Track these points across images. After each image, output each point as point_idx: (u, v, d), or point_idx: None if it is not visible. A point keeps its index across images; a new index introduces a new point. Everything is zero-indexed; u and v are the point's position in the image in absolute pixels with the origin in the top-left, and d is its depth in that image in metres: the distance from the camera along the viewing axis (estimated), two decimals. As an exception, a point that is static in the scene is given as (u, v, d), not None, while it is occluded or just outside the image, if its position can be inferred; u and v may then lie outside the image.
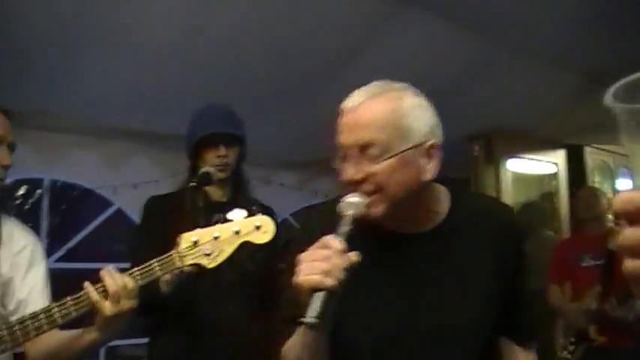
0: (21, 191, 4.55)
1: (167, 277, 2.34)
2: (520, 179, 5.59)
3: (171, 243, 2.36)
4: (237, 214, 2.01)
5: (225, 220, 2.03)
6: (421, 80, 3.87)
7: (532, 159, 5.62)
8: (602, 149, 6.29)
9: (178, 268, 1.98)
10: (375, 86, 1.59)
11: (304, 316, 1.27)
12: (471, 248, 1.62)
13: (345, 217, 1.43)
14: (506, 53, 4.10)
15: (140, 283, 1.90)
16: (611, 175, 6.67)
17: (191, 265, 1.98)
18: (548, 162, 5.80)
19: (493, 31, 3.79)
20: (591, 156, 6.21)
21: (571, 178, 5.93)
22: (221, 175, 2.69)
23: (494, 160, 5.27)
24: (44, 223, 4.29)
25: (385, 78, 3.82)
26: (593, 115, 4.94)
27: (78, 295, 1.85)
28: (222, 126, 2.70)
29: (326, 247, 1.35)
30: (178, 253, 1.97)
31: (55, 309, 1.82)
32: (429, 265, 1.59)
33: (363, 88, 1.58)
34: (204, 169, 2.64)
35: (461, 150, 5.28)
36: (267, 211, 2.46)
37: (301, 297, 1.32)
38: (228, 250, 2.03)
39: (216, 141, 2.68)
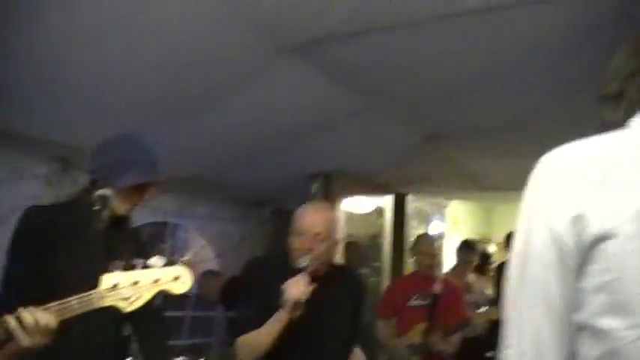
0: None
1: None
2: (351, 218, 6.00)
3: (66, 266, 2.41)
4: (157, 262, 2.09)
5: (145, 266, 2.08)
6: (280, 120, 4.18)
7: (363, 203, 6.08)
8: (421, 198, 6.92)
9: (95, 308, 1.99)
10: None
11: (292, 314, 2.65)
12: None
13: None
14: (360, 105, 4.42)
15: (57, 319, 1.92)
16: (426, 220, 7.33)
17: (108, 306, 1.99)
18: (378, 205, 6.29)
19: (355, 84, 4.09)
20: (412, 203, 6.80)
21: (395, 220, 6.46)
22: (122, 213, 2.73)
23: (330, 198, 5.63)
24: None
25: (254, 115, 4.07)
26: (421, 169, 5.52)
27: None
28: (155, 174, 2.75)
29: (300, 281, 2.65)
30: (98, 293, 1.99)
31: None
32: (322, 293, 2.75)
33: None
34: (103, 193, 2.60)
35: (304, 186, 5.65)
36: None
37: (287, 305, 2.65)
38: (146, 296, 2.07)
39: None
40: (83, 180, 4.42)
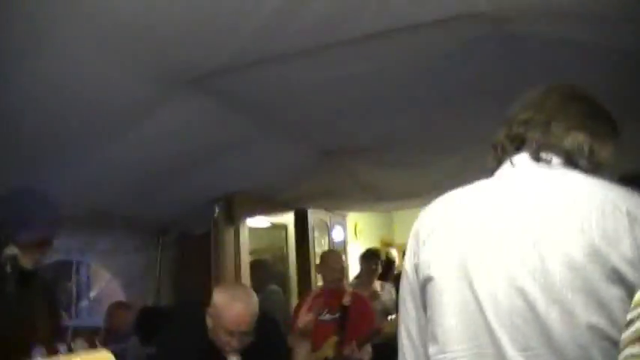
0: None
1: None
2: (255, 236, 6.08)
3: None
4: (80, 345, 2.12)
5: (70, 349, 2.11)
6: (179, 149, 4.21)
7: (267, 220, 6.18)
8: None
9: None
10: None
11: None
12: None
13: None
14: (257, 129, 4.52)
15: None
16: (327, 229, 7.50)
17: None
18: (280, 222, 6.41)
19: (251, 110, 4.18)
20: (312, 215, 6.94)
21: (297, 235, 6.59)
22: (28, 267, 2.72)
23: (233, 219, 5.71)
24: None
25: (152, 146, 4.08)
26: (321, 184, 5.67)
27: None
28: (49, 234, 2.79)
29: None
30: None
31: None
32: None
33: None
34: (11, 253, 2.61)
35: (206, 211, 5.69)
36: None
37: None
38: None
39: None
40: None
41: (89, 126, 3.77)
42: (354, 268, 8.62)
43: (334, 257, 4.98)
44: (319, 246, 7.23)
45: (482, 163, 4.98)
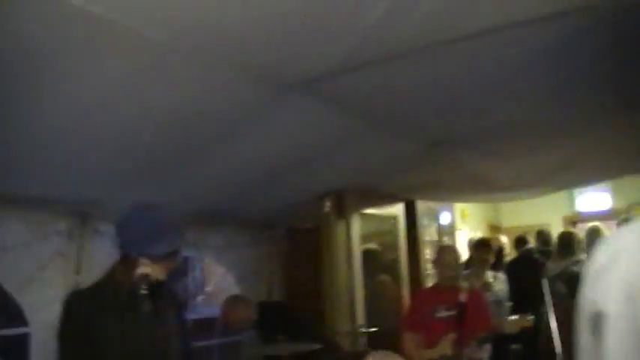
0: None
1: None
2: (366, 228, 6.09)
3: (117, 347, 2.48)
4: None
5: None
6: (289, 150, 4.27)
7: (377, 211, 6.18)
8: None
9: None
10: None
11: None
12: None
13: None
14: (365, 126, 4.51)
15: None
16: (435, 215, 7.44)
17: None
18: (390, 213, 6.39)
19: (359, 109, 4.19)
20: (420, 204, 6.89)
21: (407, 224, 6.57)
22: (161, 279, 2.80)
23: (343, 212, 5.74)
24: None
25: (266, 149, 4.16)
26: (429, 175, 5.63)
27: None
28: (179, 243, 2.85)
29: None
30: None
31: None
32: None
33: None
34: (143, 272, 2.69)
35: (314, 205, 5.74)
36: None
37: None
38: None
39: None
40: (103, 228, 4.60)
41: (201, 133, 3.88)
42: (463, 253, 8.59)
43: (450, 254, 4.87)
44: (428, 234, 7.19)
45: (596, 153, 4.86)
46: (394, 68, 3.44)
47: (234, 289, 5.93)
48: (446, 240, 7.74)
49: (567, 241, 6.31)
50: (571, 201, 11.14)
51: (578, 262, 5.94)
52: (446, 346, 4.44)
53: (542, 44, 3.37)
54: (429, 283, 7.03)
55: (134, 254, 2.74)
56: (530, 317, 4.34)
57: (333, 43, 3.07)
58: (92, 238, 4.62)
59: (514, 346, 6.49)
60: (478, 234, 9.56)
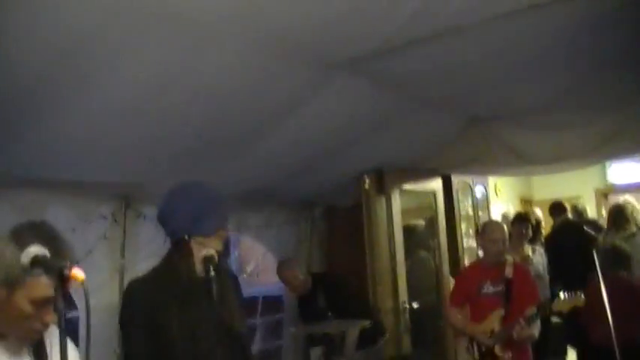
0: None
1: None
2: (405, 204, 6.08)
3: (181, 332, 2.48)
4: None
5: None
6: (335, 133, 4.27)
7: (416, 187, 6.16)
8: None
9: None
10: None
11: None
12: None
13: None
14: (403, 102, 4.50)
15: None
16: (470, 190, 7.40)
17: None
18: (429, 188, 6.37)
19: (402, 87, 4.17)
20: (455, 179, 6.86)
21: (445, 201, 6.55)
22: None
23: (384, 189, 5.75)
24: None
25: (311, 130, 4.16)
26: (467, 151, 5.62)
27: None
28: (226, 218, 2.82)
29: None
30: None
31: None
32: None
33: None
34: (208, 253, 2.65)
35: (353, 184, 5.74)
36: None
37: None
38: None
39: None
40: (147, 211, 4.61)
41: (250, 115, 3.89)
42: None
43: (497, 229, 4.74)
44: (463, 209, 7.17)
45: (637, 125, 4.82)
46: (437, 46, 3.46)
47: (273, 269, 5.94)
48: (481, 215, 7.68)
49: (619, 214, 6.18)
50: (603, 173, 11.03)
51: (631, 236, 5.91)
52: (493, 322, 4.43)
53: (582, 20, 3.39)
54: (467, 258, 7.03)
55: (185, 237, 2.71)
56: (581, 296, 4.26)
57: (379, 23, 3.08)
58: (136, 222, 4.62)
59: (555, 320, 6.47)
60: (511, 208, 9.52)
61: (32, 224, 2.02)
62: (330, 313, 5.05)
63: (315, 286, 5.36)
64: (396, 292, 5.64)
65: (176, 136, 3.82)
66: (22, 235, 1.85)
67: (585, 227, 7.13)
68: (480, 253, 7.31)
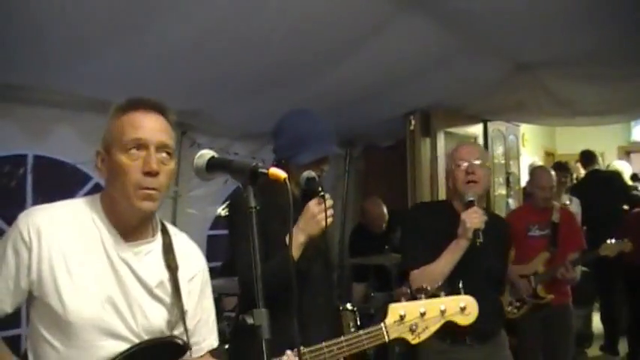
0: (6, 168, 4.37)
1: None
2: (449, 149, 6.13)
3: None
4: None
5: (432, 295, 2.13)
6: (393, 69, 4.27)
7: (459, 132, 6.22)
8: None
9: (384, 342, 2.05)
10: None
11: (478, 239, 2.95)
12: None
13: (472, 200, 3.07)
14: (457, 44, 4.52)
15: (346, 354, 2.00)
16: (503, 139, 7.45)
17: (395, 339, 2.04)
18: (471, 132, 6.44)
19: (456, 25, 4.18)
20: (491, 126, 6.91)
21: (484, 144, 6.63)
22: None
23: (429, 131, 5.85)
24: (29, 200, 4.24)
25: (369, 66, 4.16)
26: (512, 98, 5.66)
27: None
28: (333, 146, 2.87)
29: (475, 211, 2.99)
30: (386, 326, 2.05)
31: None
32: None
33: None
34: (310, 175, 2.68)
35: (396, 124, 5.81)
36: None
37: (468, 233, 2.95)
38: (432, 329, 2.09)
39: None
40: (201, 140, 4.67)
41: (315, 48, 3.94)
42: (524, 177, 8.63)
43: (546, 176, 4.82)
44: (496, 157, 7.22)
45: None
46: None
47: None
48: (511, 164, 7.74)
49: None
50: (628, 131, 11.07)
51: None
52: (538, 264, 4.54)
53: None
54: (498, 204, 7.11)
55: (284, 161, 2.78)
56: (628, 242, 4.40)
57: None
58: (190, 150, 4.68)
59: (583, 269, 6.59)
60: (536, 159, 9.58)
61: None
62: (387, 247, 5.21)
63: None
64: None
65: (235, 68, 3.90)
66: None
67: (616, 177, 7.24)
68: (510, 201, 7.49)
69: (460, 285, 2.43)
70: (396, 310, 2.06)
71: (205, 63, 3.72)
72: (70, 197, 1.96)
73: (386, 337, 2.05)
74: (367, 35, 3.97)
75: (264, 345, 1.52)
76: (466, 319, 2.14)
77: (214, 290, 2.16)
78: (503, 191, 7.43)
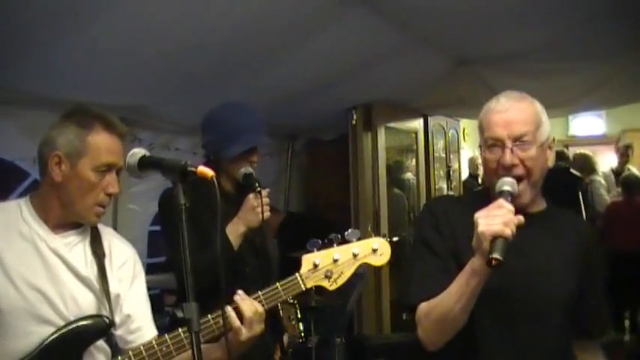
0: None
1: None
2: (389, 144, 6.20)
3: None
4: (353, 235, 2.13)
5: (342, 241, 2.12)
6: (336, 65, 4.28)
7: (399, 125, 6.29)
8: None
9: (301, 291, 2.08)
10: (513, 94, 2.04)
11: (491, 255, 1.67)
12: (559, 233, 2.07)
13: (503, 192, 1.85)
14: (399, 38, 4.56)
15: (266, 307, 2.01)
16: (444, 132, 7.55)
17: (313, 287, 2.07)
18: (411, 128, 6.51)
19: (400, 19, 4.22)
20: (432, 121, 6.99)
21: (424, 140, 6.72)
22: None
23: (370, 125, 5.88)
24: (-35, 196, 4.12)
25: (312, 60, 4.17)
26: (453, 93, 5.73)
27: (213, 317, 1.98)
28: (261, 137, 2.91)
29: (500, 207, 1.77)
30: (301, 275, 2.07)
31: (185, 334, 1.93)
32: (539, 239, 1.99)
33: (506, 94, 2.04)
34: (247, 171, 2.77)
35: (338, 118, 5.85)
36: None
37: (483, 243, 1.71)
38: (347, 274, 2.10)
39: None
40: (141, 136, 4.61)
41: (259, 46, 3.94)
42: (464, 172, 8.77)
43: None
44: (437, 151, 7.31)
45: (633, 72, 4.98)
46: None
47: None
48: (452, 157, 7.85)
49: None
50: (565, 124, 11.32)
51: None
52: None
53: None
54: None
55: (212, 156, 2.85)
56: None
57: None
58: (132, 145, 4.60)
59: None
60: (477, 153, 9.70)
61: None
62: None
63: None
64: (377, 226, 5.78)
65: (180, 64, 3.85)
66: None
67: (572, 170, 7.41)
68: (451, 194, 7.60)
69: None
70: (309, 259, 2.09)
71: (147, 58, 3.67)
72: (8, 193, 2.03)
73: (302, 285, 2.08)
74: (310, 30, 3.97)
75: (193, 338, 1.58)
76: (379, 260, 2.15)
77: (157, 286, 2.20)
78: (443, 185, 7.55)
